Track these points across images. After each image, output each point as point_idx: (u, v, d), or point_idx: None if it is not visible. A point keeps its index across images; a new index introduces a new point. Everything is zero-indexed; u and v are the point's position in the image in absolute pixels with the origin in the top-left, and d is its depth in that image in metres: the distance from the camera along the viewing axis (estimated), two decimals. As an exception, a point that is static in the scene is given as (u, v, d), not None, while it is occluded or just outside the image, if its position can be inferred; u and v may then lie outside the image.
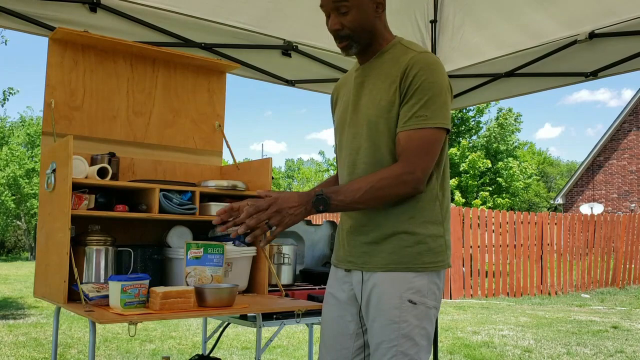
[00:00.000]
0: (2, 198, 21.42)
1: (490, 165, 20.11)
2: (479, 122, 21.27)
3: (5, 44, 13.12)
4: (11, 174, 21.62)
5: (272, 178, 2.70)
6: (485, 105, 20.50)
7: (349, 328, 1.85)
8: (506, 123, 21.66)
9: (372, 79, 1.81)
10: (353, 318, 1.84)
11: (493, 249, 10.64)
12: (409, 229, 1.71)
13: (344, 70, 3.55)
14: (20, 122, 25.40)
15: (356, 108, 1.82)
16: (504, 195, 20.39)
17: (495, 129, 21.54)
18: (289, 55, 3.32)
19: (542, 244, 10.97)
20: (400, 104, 1.71)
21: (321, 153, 36.28)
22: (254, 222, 1.59)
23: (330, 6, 1.75)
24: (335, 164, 23.83)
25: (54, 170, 2.24)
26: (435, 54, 3.29)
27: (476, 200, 19.46)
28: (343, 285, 1.87)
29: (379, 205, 1.72)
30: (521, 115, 22.20)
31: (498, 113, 21.98)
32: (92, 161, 2.47)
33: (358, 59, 1.89)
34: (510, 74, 3.46)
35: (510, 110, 21.92)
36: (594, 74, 3.18)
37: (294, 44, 3.30)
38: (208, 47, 3.04)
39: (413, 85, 1.68)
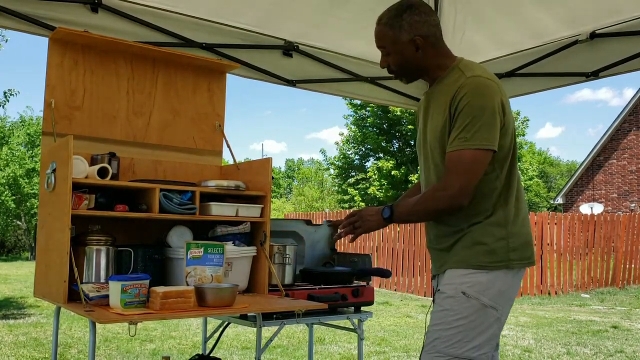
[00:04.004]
0: (2, 198, 21.39)
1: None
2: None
3: (6, 42, 13.08)
4: (11, 174, 21.58)
5: (272, 178, 2.70)
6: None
7: None
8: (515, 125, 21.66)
9: (432, 105, 1.98)
10: None
11: (493, 248, 10.63)
12: (473, 234, 1.89)
13: (345, 71, 3.55)
14: (20, 122, 25.35)
15: (425, 133, 2.03)
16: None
17: None
18: (290, 56, 3.32)
19: (542, 244, 10.95)
20: (450, 129, 1.87)
21: (322, 151, 36.28)
22: (346, 223, 2.05)
23: (377, 47, 2.01)
24: (335, 163, 23.60)
25: (54, 170, 2.24)
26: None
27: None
28: None
29: (426, 218, 2.01)
30: (528, 120, 22.19)
31: None
32: (92, 161, 2.47)
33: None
34: (511, 74, 3.46)
35: (517, 113, 21.86)
36: (594, 74, 3.18)
37: (295, 44, 3.30)
38: (209, 47, 3.04)
39: (458, 110, 1.84)
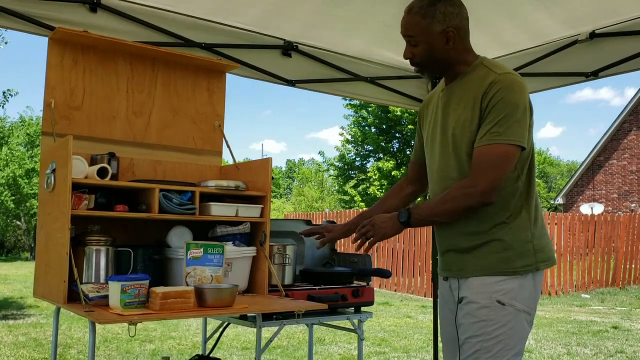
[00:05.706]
0: (2, 198, 21.38)
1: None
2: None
3: (6, 44, 13.09)
4: (11, 174, 21.58)
5: (272, 178, 2.69)
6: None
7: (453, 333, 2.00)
8: None
9: (456, 99, 1.94)
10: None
11: (493, 249, 10.63)
12: (499, 237, 1.86)
13: (344, 70, 3.54)
14: (20, 122, 25.34)
15: (444, 127, 1.97)
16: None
17: None
18: (289, 55, 3.32)
19: (542, 244, 10.96)
20: (480, 123, 1.83)
21: (321, 153, 36.32)
22: (358, 235, 1.97)
23: (403, 37, 1.95)
24: (335, 163, 23.47)
25: (53, 170, 2.24)
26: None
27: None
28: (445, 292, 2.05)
29: (451, 217, 1.90)
30: None
31: None
32: (92, 161, 2.47)
33: (444, 79, 2.02)
34: (511, 74, 3.45)
35: None
36: (594, 74, 3.18)
37: (294, 44, 3.30)
38: (208, 47, 3.04)
39: (491, 105, 1.82)
